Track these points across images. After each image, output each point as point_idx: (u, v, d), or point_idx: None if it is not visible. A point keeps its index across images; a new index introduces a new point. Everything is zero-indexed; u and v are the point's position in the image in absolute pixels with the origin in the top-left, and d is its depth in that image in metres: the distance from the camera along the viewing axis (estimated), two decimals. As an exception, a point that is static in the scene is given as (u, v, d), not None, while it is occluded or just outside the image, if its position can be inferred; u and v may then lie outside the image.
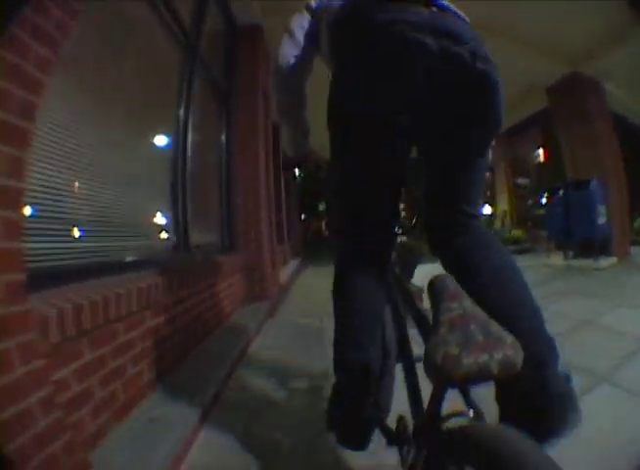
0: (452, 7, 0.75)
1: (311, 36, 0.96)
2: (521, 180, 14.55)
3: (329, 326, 3.17)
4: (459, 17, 0.74)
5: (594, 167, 5.22)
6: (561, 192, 5.30)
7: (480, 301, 0.56)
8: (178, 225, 2.16)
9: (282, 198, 7.52)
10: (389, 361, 0.94)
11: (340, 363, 0.85)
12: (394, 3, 0.70)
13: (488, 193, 16.84)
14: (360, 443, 0.82)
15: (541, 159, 15.23)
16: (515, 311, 0.67)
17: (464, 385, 0.56)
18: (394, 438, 0.79)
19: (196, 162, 2.61)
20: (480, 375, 0.47)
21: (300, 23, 0.97)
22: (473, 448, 0.44)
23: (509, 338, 0.49)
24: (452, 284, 0.59)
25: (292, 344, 2.41)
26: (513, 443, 0.39)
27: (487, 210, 15.80)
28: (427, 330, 0.69)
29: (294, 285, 5.22)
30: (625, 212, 5.35)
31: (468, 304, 0.54)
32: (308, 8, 0.97)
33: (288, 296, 4.26)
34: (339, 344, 0.86)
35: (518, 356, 0.48)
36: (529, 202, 16.14)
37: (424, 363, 0.50)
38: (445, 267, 0.82)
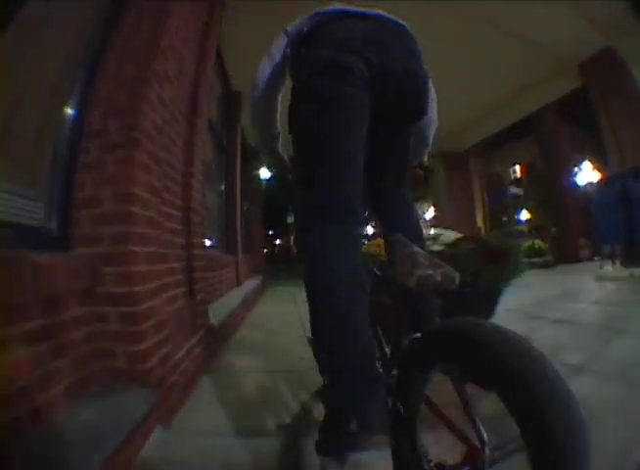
0: (391, 18, 0.96)
1: (285, 55, 1.07)
2: (513, 190, 13.87)
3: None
4: (397, 30, 0.94)
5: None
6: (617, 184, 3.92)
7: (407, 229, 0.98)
8: None
9: (235, 197, 5.69)
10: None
11: (330, 365, 0.78)
12: (348, 20, 0.91)
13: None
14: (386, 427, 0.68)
15: (518, 175, 14.69)
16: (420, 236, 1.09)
17: (417, 290, 0.72)
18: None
19: None
20: (428, 282, 0.69)
21: (279, 45, 1.08)
22: (448, 339, 0.61)
23: (446, 265, 0.71)
24: (403, 237, 0.83)
25: None
26: (481, 325, 0.55)
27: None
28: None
29: (245, 319, 3.22)
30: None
31: (415, 247, 0.78)
32: (285, 31, 1.08)
33: (226, 347, 2.27)
34: (324, 339, 0.77)
35: (455, 274, 0.70)
36: (504, 218, 15.52)
37: (392, 279, 0.76)
38: (390, 207, 1.11)
